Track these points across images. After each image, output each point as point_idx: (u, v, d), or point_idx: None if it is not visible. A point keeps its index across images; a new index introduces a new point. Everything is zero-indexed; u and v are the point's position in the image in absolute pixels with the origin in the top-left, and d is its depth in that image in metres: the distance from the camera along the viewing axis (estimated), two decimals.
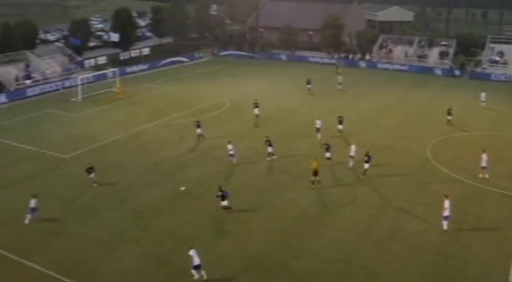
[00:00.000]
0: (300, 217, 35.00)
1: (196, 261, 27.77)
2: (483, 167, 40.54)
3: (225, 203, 35.10)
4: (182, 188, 38.51)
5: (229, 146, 43.26)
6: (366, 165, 40.13)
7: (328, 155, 42.87)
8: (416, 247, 31.07)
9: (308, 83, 68.83)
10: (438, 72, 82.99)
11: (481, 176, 40.61)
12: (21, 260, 29.87)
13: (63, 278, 28.15)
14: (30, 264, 29.51)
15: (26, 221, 33.99)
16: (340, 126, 50.41)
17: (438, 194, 37.50)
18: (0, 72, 69.93)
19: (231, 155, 43.35)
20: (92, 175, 39.62)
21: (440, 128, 52.89)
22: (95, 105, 62.75)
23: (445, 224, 32.53)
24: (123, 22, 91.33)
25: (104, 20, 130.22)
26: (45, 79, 72.05)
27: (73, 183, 40.27)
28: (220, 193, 35.12)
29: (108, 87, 69.09)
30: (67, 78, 72.59)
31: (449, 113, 53.91)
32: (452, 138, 50.29)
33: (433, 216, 34.57)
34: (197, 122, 49.50)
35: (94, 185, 39.40)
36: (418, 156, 45.56)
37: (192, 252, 27.94)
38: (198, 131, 49.15)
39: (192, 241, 31.66)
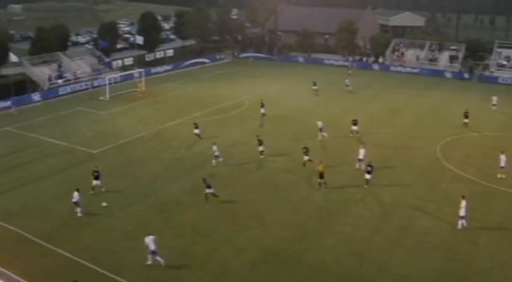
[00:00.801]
0: (314, 213, 34.74)
1: (152, 247, 28.08)
2: (501, 167, 39.87)
3: (210, 190, 35.62)
4: (103, 204, 35.54)
5: (214, 147, 42.36)
6: (368, 176, 38.03)
7: (306, 158, 41.62)
8: (427, 243, 30.69)
9: (314, 84, 68.03)
10: (448, 75, 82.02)
11: (499, 176, 39.92)
12: (54, 248, 30.10)
13: (90, 266, 28.30)
14: (61, 252, 29.71)
15: (79, 214, 34.06)
16: (354, 127, 49.82)
17: (448, 192, 37.38)
18: (35, 72, 70.41)
19: (216, 156, 42.36)
20: (97, 182, 36.92)
21: (450, 129, 52.18)
22: (121, 104, 62.93)
23: (460, 223, 32.00)
24: (148, 25, 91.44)
25: (131, 24, 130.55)
26: (75, 79, 72.34)
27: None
28: (206, 184, 35.72)
29: (135, 87, 69.32)
30: (96, 78, 72.81)
31: (466, 116, 52.60)
32: (461, 139, 49.60)
33: (444, 213, 34.21)
34: (195, 123, 49.16)
35: (91, 192, 36.74)
36: (428, 155, 44.99)
37: (148, 239, 28.24)
38: (196, 131, 48.67)
39: (212, 234, 31.81)
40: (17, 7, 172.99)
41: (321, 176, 38.01)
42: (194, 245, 30.48)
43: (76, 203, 34.14)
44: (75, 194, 34.08)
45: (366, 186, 37.96)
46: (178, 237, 31.41)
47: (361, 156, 41.47)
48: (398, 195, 37.10)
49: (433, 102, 64.67)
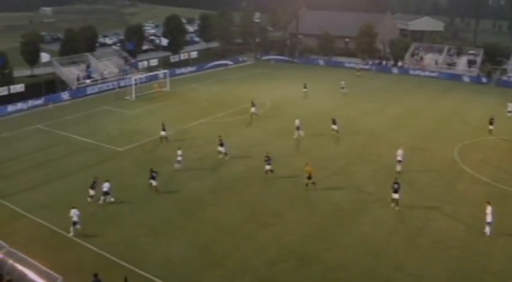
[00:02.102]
0: (333, 212, 34.65)
1: (74, 218, 31.38)
2: None
3: (154, 182, 37.02)
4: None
5: (179, 152, 41.60)
6: (396, 195, 34.55)
7: (268, 167, 39.91)
8: (443, 243, 30.43)
9: (304, 87, 67.25)
10: (466, 79, 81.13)
11: None
12: (79, 241, 30.55)
13: (114, 259, 28.64)
14: (87, 245, 30.14)
15: (100, 202, 35.51)
16: (334, 126, 49.69)
17: (465, 194, 37.15)
18: (64, 72, 71.29)
19: (178, 162, 41.57)
20: (93, 192, 35.89)
21: (467, 132, 51.70)
22: (147, 104, 63.39)
23: (488, 230, 31.37)
24: (173, 28, 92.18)
25: (156, 26, 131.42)
26: (103, 79, 73.09)
27: (126, 174, 40.80)
28: (151, 175, 37.09)
29: (159, 87, 69.81)
30: (122, 78, 73.35)
31: (491, 123, 51.02)
32: (478, 142, 49.03)
33: (460, 214, 33.95)
34: (163, 124, 48.44)
35: (88, 199, 35.74)
36: (446, 158, 44.55)
37: (72, 212, 31.36)
38: (163, 133, 48.11)
39: (233, 231, 31.90)
40: (47, 10, 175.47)
41: (309, 176, 37.71)
42: (215, 242, 30.59)
43: (104, 193, 35.43)
44: (106, 184, 35.53)
45: (393, 206, 34.70)
46: (200, 234, 31.54)
47: (400, 158, 40.95)
48: (416, 196, 36.80)
49: (451, 105, 64.04)
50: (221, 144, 43.82)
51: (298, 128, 49.29)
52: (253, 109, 56.04)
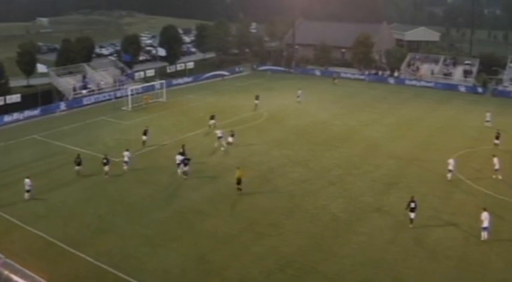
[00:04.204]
0: (330, 222, 34.64)
1: (27, 187, 37.02)
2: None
3: (79, 167, 41.79)
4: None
5: (126, 153, 43.15)
6: (412, 215, 33.47)
7: (186, 168, 41.23)
8: (441, 253, 30.43)
9: (256, 98, 66.87)
10: (462, 89, 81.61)
11: (494, 176, 41.49)
12: (76, 252, 30.30)
13: (111, 270, 28.46)
14: (83, 256, 29.91)
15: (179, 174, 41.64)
16: (212, 121, 52.86)
17: (462, 204, 37.18)
18: (61, 82, 71.42)
19: (126, 162, 42.93)
20: (107, 167, 41.99)
21: (464, 142, 51.87)
22: (143, 114, 63.46)
23: (484, 235, 31.66)
24: (170, 38, 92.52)
25: (153, 36, 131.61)
26: (99, 89, 73.15)
27: (123, 184, 40.69)
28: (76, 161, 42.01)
29: (156, 98, 69.93)
30: (119, 89, 73.43)
31: (497, 137, 50.41)
32: (475, 152, 49.17)
33: (457, 224, 34.01)
34: (145, 129, 50.36)
35: (106, 176, 41.67)
36: (443, 168, 44.54)
37: (25, 181, 37.01)
38: (144, 137, 49.82)
39: (231, 241, 31.88)
40: (44, 20, 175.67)
41: (238, 181, 38.07)
42: (213, 252, 30.54)
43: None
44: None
45: (410, 226, 33.52)
46: (198, 245, 31.47)
47: (451, 167, 41.35)
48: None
49: (447, 115, 64.31)
50: (182, 153, 43.67)
51: (219, 138, 49.64)
52: (212, 121, 56.05)
